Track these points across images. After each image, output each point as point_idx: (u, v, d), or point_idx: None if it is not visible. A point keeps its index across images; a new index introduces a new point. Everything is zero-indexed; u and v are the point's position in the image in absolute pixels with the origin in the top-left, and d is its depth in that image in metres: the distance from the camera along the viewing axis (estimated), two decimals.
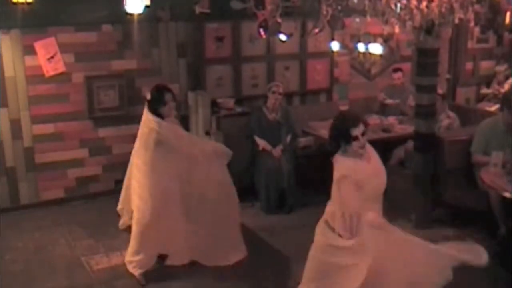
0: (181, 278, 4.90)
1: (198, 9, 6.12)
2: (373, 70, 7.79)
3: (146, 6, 5.27)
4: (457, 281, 4.85)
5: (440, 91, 6.28)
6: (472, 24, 4.74)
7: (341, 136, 3.56)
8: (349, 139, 3.53)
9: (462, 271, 5.00)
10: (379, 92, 7.53)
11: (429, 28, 4.92)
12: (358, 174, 3.49)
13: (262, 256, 5.25)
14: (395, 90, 7.46)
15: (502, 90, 8.00)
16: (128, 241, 5.40)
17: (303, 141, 6.78)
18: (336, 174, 3.52)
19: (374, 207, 3.55)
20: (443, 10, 4.43)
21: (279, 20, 4.89)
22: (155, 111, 4.77)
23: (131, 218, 4.99)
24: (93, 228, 5.84)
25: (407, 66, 7.77)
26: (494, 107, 7.49)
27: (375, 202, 3.58)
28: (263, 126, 6.41)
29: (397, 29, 4.85)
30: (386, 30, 5.57)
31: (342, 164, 3.54)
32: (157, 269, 5.01)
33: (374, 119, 6.88)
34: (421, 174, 5.71)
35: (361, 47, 6.65)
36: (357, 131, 3.52)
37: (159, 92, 4.81)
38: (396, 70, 7.44)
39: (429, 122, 5.71)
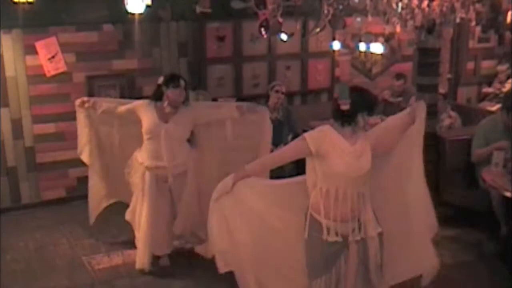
0: (181, 278, 4.90)
1: (199, 9, 6.12)
2: (374, 70, 7.78)
3: (147, 6, 5.27)
4: (459, 280, 4.87)
5: (441, 90, 6.28)
6: (473, 23, 4.74)
7: (365, 109, 3.52)
8: (371, 113, 3.52)
9: (463, 270, 5.03)
10: (385, 90, 7.51)
11: (430, 28, 4.92)
12: (324, 145, 3.43)
13: None
14: (396, 93, 7.46)
15: (504, 90, 8.00)
16: (128, 240, 5.41)
17: None
18: None
19: (346, 186, 3.45)
20: (444, 9, 4.43)
21: (280, 19, 4.88)
22: (159, 96, 4.79)
23: None
24: (94, 228, 5.83)
25: (408, 66, 7.77)
26: (495, 107, 7.48)
27: (351, 183, 3.46)
28: None
29: (398, 29, 4.86)
30: (387, 29, 5.58)
31: (317, 130, 3.53)
32: (157, 269, 5.02)
33: (375, 119, 6.86)
34: None
35: (362, 46, 6.66)
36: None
37: (174, 76, 4.86)
38: (399, 77, 7.40)
39: (430, 121, 5.70)
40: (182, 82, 4.79)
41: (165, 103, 4.77)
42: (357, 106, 3.51)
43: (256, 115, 5.05)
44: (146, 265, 4.92)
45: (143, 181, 4.85)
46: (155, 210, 4.83)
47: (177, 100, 4.77)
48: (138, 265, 4.95)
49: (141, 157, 4.86)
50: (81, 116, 5.16)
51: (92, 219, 5.46)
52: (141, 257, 4.94)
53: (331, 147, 3.44)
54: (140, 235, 4.93)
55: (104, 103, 5.06)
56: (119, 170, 5.15)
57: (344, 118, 3.50)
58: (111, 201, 5.47)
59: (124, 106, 4.96)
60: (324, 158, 3.44)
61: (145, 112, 4.79)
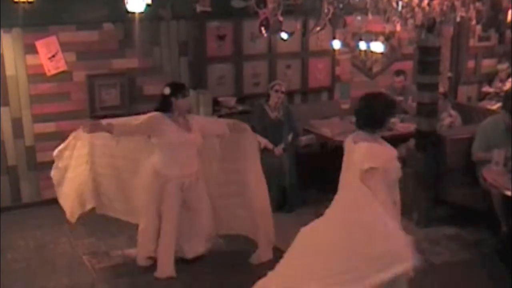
0: (181, 278, 4.90)
1: (199, 8, 6.12)
2: (375, 69, 7.78)
3: (147, 5, 5.27)
4: (458, 279, 4.87)
5: (442, 89, 6.28)
6: (473, 22, 4.73)
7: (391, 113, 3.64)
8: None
9: (463, 269, 5.03)
10: (382, 89, 7.52)
11: (430, 26, 4.92)
12: (385, 161, 3.45)
13: None
14: (396, 91, 7.45)
15: (504, 88, 7.99)
16: (129, 240, 5.41)
17: (304, 139, 6.78)
18: (362, 163, 3.39)
19: (394, 192, 3.54)
20: (445, 8, 4.42)
21: (281, 18, 4.89)
22: (168, 107, 4.79)
23: None
24: (95, 227, 5.84)
25: (408, 64, 7.77)
26: (495, 106, 7.48)
27: (394, 188, 3.55)
28: (265, 125, 6.40)
29: (398, 27, 4.85)
30: (388, 28, 5.57)
31: (370, 153, 3.46)
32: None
33: None
34: (422, 172, 5.70)
35: (362, 45, 6.65)
36: None
37: (181, 85, 4.92)
38: (398, 73, 7.40)
39: (430, 120, 5.71)
40: (188, 91, 4.89)
41: (176, 113, 4.80)
42: (387, 110, 3.63)
43: (242, 133, 5.10)
44: (173, 271, 4.91)
45: (163, 192, 4.82)
46: (178, 217, 4.89)
47: (186, 109, 4.87)
48: (167, 274, 4.87)
49: (161, 168, 4.82)
50: (80, 139, 5.03)
51: (72, 219, 5.33)
52: (168, 265, 4.89)
53: (387, 158, 3.50)
54: (166, 245, 4.89)
55: (118, 123, 4.85)
56: (112, 184, 5.19)
57: (378, 125, 3.59)
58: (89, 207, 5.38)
59: (136, 122, 4.82)
60: (385, 170, 3.45)
61: (164, 124, 4.76)
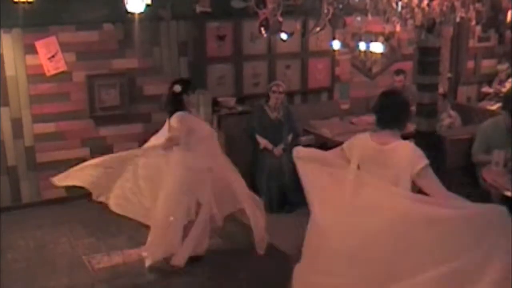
0: (180, 277, 4.90)
1: (199, 8, 6.12)
2: (374, 69, 7.78)
3: (147, 5, 5.27)
4: None
5: (441, 90, 6.28)
6: (473, 22, 4.72)
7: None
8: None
9: None
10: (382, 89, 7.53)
11: (430, 27, 4.91)
12: None
13: (264, 255, 5.24)
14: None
15: (504, 89, 8.00)
16: (129, 240, 5.42)
17: (304, 140, 6.78)
18: (417, 163, 3.32)
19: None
20: (444, 8, 4.42)
21: (280, 18, 4.89)
22: (180, 105, 4.85)
23: None
24: (95, 227, 5.85)
25: (408, 65, 7.77)
26: (495, 106, 7.49)
27: None
28: (265, 125, 6.41)
29: (398, 28, 4.84)
30: (387, 28, 5.56)
31: (418, 151, 3.40)
32: (158, 265, 5.01)
33: (369, 116, 6.87)
34: None
35: (362, 45, 6.65)
36: None
37: (189, 82, 5.05)
38: (398, 73, 7.41)
39: (430, 121, 5.71)
40: (195, 87, 5.03)
41: (189, 109, 4.91)
42: (409, 108, 3.64)
43: None
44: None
45: (199, 185, 4.88)
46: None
47: (193, 106, 5.02)
48: (183, 263, 4.92)
49: (197, 162, 4.86)
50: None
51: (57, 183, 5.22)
52: (188, 255, 4.94)
53: None
54: (197, 234, 4.94)
55: (176, 135, 4.91)
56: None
57: (405, 123, 3.60)
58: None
59: (177, 126, 4.85)
60: None
61: (192, 121, 4.89)
